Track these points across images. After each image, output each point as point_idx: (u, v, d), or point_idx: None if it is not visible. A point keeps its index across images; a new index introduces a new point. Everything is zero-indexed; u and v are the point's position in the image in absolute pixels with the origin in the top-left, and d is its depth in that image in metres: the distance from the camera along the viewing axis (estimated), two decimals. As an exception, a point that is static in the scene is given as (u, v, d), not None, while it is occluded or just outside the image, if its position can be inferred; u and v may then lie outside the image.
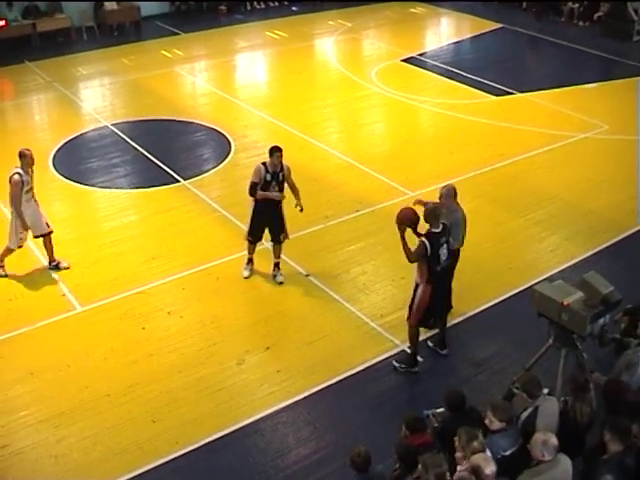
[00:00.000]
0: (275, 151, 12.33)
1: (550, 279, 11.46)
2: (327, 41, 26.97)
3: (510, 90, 21.09)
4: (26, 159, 12.79)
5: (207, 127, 19.19)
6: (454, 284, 11.39)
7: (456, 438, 7.51)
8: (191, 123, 19.52)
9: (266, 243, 13.16)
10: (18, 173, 12.63)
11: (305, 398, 10.44)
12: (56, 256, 13.39)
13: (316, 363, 10.94)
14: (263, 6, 31.76)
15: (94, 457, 9.54)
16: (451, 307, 11.69)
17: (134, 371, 10.90)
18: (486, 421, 7.98)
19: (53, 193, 15.93)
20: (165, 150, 17.82)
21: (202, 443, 9.71)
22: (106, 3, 28.75)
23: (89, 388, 10.59)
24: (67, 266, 13.37)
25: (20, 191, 12.64)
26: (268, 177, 12.35)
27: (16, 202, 12.68)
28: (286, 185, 12.49)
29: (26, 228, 12.85)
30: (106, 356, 11.23)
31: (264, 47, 26.99)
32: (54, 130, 20.16)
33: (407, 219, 10.20)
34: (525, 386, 8.38)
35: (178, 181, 16.30)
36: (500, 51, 25.85)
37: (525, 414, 8.23)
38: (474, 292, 12.41)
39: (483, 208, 14.78)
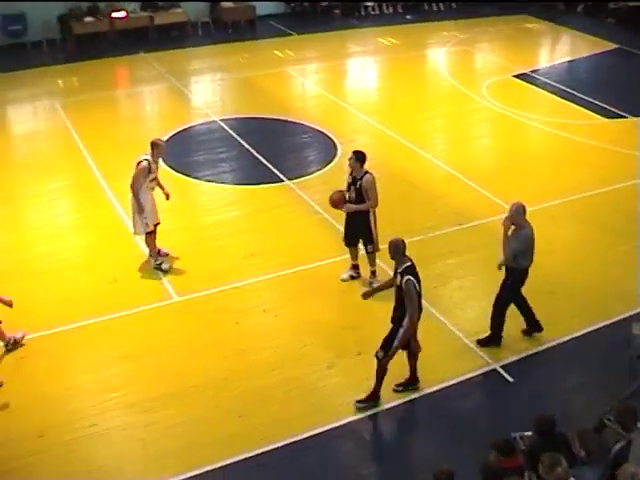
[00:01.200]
0: (351, 155, 12.29)
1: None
2: (439, 51, 26.81)
3: (623, 113, 20.58)
4: (158, 149, 13.07)
5: (315, 129, 19.27)
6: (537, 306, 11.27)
7: (540, 464, 7.34)
8: (299, 124, 19.64)
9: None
10: (147, 160, 12.90)
11: (392, 408, 10.34)
12: (157, 244, 13.62)
13: (405, 374, 10.83)
14: (377, 12, 31.74)
15: (180, 445, 9.65)
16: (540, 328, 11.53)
17: (225, 365, 10.99)
18: (573, 449, 7.78)
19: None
20: (272, 149, 17.96)
21: (286, 442, 9.71)
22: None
23: (180, 377, 10.73)
24: (167, 253, 13.58)
25: (144, 178, 12.89)
26: (350, 179, 12.30)
27: (135, 185, 12.91)
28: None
29: (141, 212, 13.02)
30: (199, 347, 11.36)
31: (376, 53, 26.99)
32: (164, 121, 20.57)
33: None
34: (620, 417, 8.13)
35: (282, 181, 16.41)
36: (615, 72, 25.19)
37: (617, 447, 7.97)
38: (570, 317, 12.12)
39: (587, 233, 14.46)
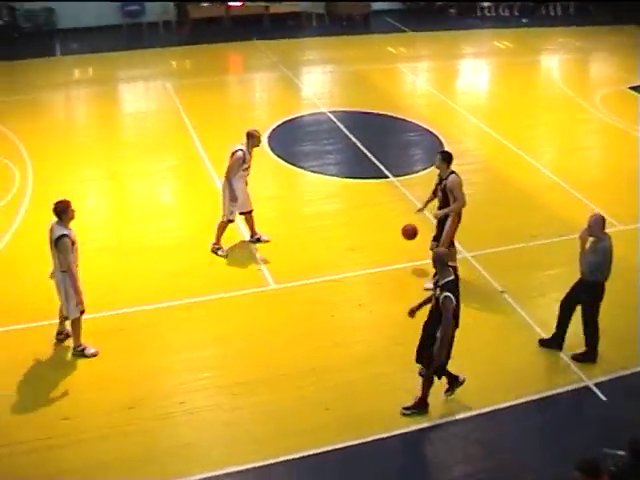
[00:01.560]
0: (438, 155, 12.23)
1: None
2: (553, 58, 26.35)
3: None
4: (253, 140, 13.17)
5: (422, 128, 19.13)
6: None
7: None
8: (407, 121, 19.52)
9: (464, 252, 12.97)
10: (242, 150, 13.03)
11: (480, 415, 10.17)
12: (257, 230, 13.74)
13: (496, 382, 10.65)
14: (494, 13, 31.36)
15: (264, 432, 9.68)
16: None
17: (317, 356, 10.97)
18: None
19: (264, 170, 16.35)
20: (378, 144, 17.92)
21: (370, 439, 9.63)
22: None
23: (271, 365, 10.77)
24: (268, 239, 13.68)
25: (238, 167, 13.03)
26: (437, 179, 12.22)
27: (230, 174, 13.06)
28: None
29: (234, 199, 13.18)
30: (292, 337, 11.38)
31: (489, 55, 26.66)
32: (273, 109, 20.75)
33: None
34: None
35: (387, 177, 16.33)
36: None
37: None
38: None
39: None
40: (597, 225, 10.64)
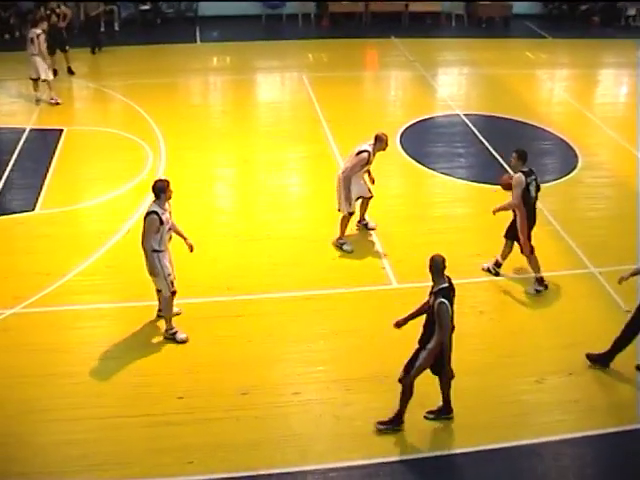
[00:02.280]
0: (513, 153, 12.34)
1: None
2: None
3: None
4: (380, 144, 13.20)
5: (557, 137, 18.71)
6: None
7: None
8: (542, 129, 19.12)
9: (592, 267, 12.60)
10: (368, 152, 13.09)
11: (597, 437, 9.84)
12: (366, 216, 13.87)
13: (619, 403, 10.33)
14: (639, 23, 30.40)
15: (372, 430, 9.64)
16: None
17: (432, 360, 10.85)
18: None
19: (394, 168, 16.43)
20: (510, 150, 17.41)
21: (475, 449, 9.49)
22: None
23: (386, 363, 10.62)
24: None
25: (360, 167, 13.09)
26: (528, 179, 12.14)
27: (350, 172, 13.10)
28: None
29: (348, 198, 13.19)
30: (410, 338, 11.22)
31: (631, 67, 25.78)
32: (406, 108, 20.71)
33: None
34: None
35: (517, 184, 16.00)
36: None
37: None
38: None
39: None
40: None
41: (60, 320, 11.73)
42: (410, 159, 16.82)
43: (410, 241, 13.78)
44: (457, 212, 15.01)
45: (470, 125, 18.97)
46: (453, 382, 9.66)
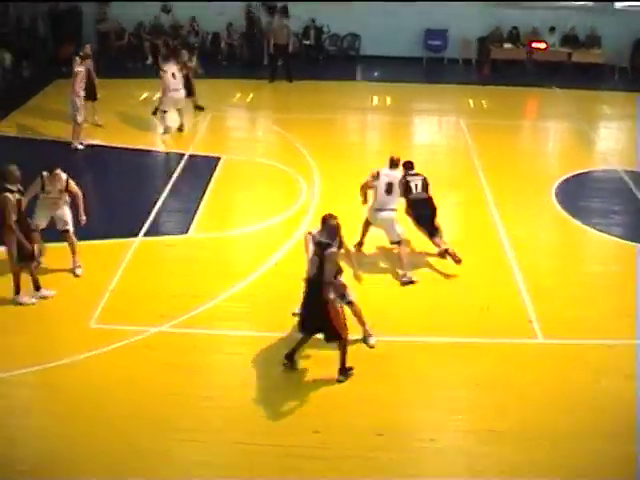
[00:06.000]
0: None
1: None
2: None
3: None
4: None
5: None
6: None
7: None
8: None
9: None
10: None
11: None
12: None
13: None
14: None
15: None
16: None
17: (571, 420, 10.48)
18: None
19: (547, 221, 16.39)
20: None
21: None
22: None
23: (525, 418, 10.47)
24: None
25: None
26: None
27: None
28: None
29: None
30: (554, 395, 10.96)
31: None
32: (563, 160, 20.39)
33: None
34: None
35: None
36: None
37: None
38: None
39: None
40: None
41: (202, 342, 12.07)
42: (565, 213, 16.48)
43: (559, 295, 13.48)
44: (608, 270, 14.56)
45: (629, 182, 18.43)
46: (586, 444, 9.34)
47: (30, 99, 24.05)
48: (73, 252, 13.89)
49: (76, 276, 13.79)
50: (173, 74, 20.60)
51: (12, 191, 12.30)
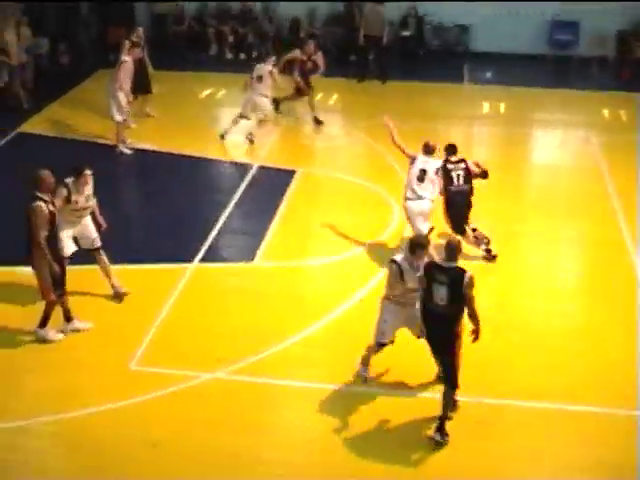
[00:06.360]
0: None
1: None
2: None
3: None
4: None
5: None
6: None
7: None
8: None
9: None
10: None
11: None
12: None
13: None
14: None
15: None
16: None
17: None
18: None
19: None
20: None
21: None
22: None
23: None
24: None
25: None
26: None
27: None
28: None
29: None
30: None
31: None
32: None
33: None
34: None
35: None
36: None
37: None
38: None
39: None
40: None
41: (266, 394, 12.12)
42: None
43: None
44: None
45: None
46: None
47: (68, 91, 24.77)
48: (108, 274, 14.15)
49: (122, 295, 14.15)
50: (260, 77, 20.86)
51: (45, 201, 12.48)
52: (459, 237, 13.68)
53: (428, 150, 15.23)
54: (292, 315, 13.83)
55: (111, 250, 14.13)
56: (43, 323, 13.01)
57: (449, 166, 15.08)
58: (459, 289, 10.67)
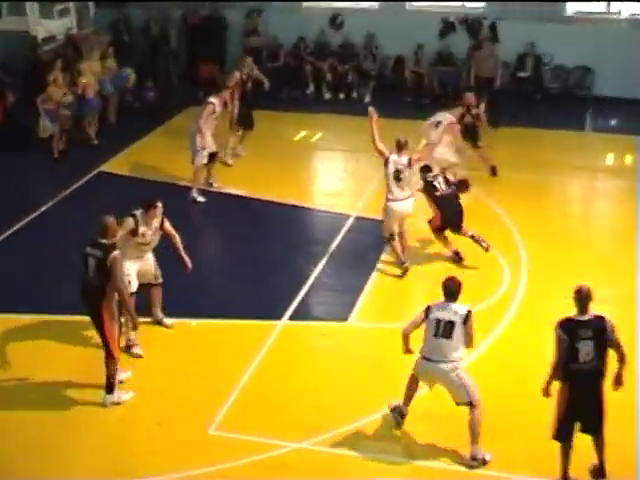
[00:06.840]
0: None
1: None
2: None
3: None
4: None
5: None
6: None
7: None
8: None
9: None
10: None
11: None
12: None
13: None
14: None
15: None
16: None
17: None
18: None
19: None
20: None
21: None
22: None
23: None
24: None
25: None
26: None
27: None
28: None
29: None
30: None
31: None
32: None
33: None
34: None
35: None
36: None
37: None
38: None
39: None
40: None
41: (357, 468, 12.11)
42: None
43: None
44: None
45: None
46: None
47: (152, 130, 25.30)
48: (156, 306, 14.77)
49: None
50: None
51: (115, 248, 12.76)
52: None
53: (399, 147, 16.95)
54: (389, 381, 13.57)
55: (197, 302, 14.36)
56: (110, 388, 13.10)
57: (429, 179, 17.51)
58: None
